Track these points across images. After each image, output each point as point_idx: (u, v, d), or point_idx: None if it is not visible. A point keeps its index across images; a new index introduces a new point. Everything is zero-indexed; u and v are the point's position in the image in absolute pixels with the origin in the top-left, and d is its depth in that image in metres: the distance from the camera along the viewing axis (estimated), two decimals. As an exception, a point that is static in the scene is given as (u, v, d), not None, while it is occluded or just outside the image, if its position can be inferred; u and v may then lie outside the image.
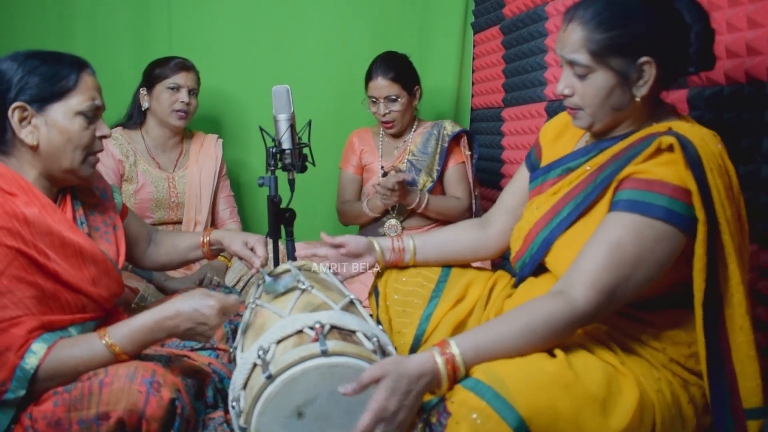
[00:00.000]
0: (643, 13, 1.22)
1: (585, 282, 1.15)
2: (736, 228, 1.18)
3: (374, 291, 1.59)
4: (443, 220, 2.46)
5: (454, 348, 1.12)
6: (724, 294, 1.17)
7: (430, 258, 1.57)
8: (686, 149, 1.14)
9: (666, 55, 1.22)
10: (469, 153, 2.50)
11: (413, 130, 2.52)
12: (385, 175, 2.47)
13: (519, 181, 1.55)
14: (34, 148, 1.32)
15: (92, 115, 1.36)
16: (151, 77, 2.34)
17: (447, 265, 1.57)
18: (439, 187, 2.48)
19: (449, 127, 2.48)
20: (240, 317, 1.64)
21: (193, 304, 1.29)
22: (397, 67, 2.40)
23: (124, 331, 1.27)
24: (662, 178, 1.16)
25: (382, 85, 2.38)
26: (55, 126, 1.32)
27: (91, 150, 1.38)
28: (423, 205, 2.36)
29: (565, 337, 1.17)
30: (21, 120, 1.30)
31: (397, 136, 2.53)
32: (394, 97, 2.38)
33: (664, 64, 1.23)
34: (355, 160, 2.59)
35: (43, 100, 1.31)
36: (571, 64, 1.26)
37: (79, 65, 1.36)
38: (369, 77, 2.42)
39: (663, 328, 1.26)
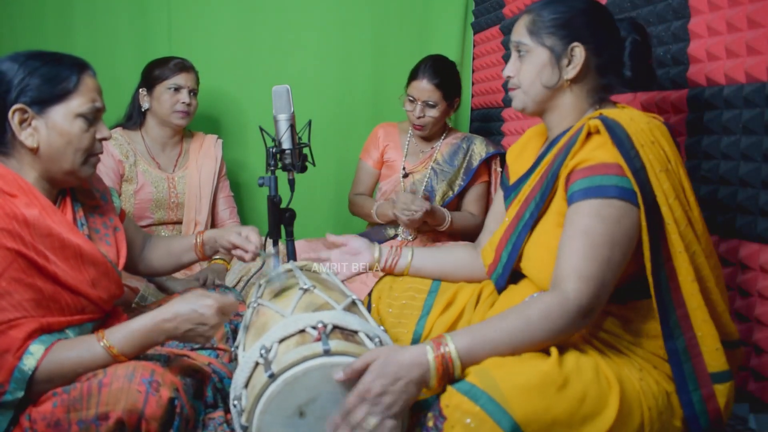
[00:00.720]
0: (585, 9, 1.37)
1: (571, 275, 1.18)
2: (675, 200, 1.22)
3: (367, 307, 1.60)
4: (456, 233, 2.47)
5: (450, 343, 1.14)
6: (674, 263, 1.22)
7: (426, 270, 1.60)
8: (611, 129, 1.23)
9: (598, 47, 1.35)
10: (500, 170, 2.46)
11: (442, 138, 2.49)
12: (406, 176, 2.47)
13: (497, 202, 1.61)
14: (34, 151, 1.31)
15: (92, 117, 1.36)
16: (151, 78, 2.34)
17: (439, 279, 1.61)
18: (456, 200, 2.47)
19: (480, 146, 2.44)
20: (240, 317, 1.64)
21: (190, 305, 1.28)
22: (444, 74, 2.34)
23: (123, 333, 1.27)
24: (602, 161, 1.22)
25: (425, 88, 2.32)
26: (55, 128, 1.31)
27: (91, 152, 1.38)
28: (447, 225, 2.31)
29: (563, 333, 1.18)
30: (21, 122, 1.29)
31: (425, 139, 2.50)
32: (432, 103, 2.33)
33: (595, 55, 1.35)
34: (377, 154, 2.55)
35: (43, 102, 1.30)
36: (515, 46, 1.40)
37: (79, 66, 1.35)
38: (414, 76, 2.36)
39: (635, 321, 1.29)
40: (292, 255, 1.71)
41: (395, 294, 1.59)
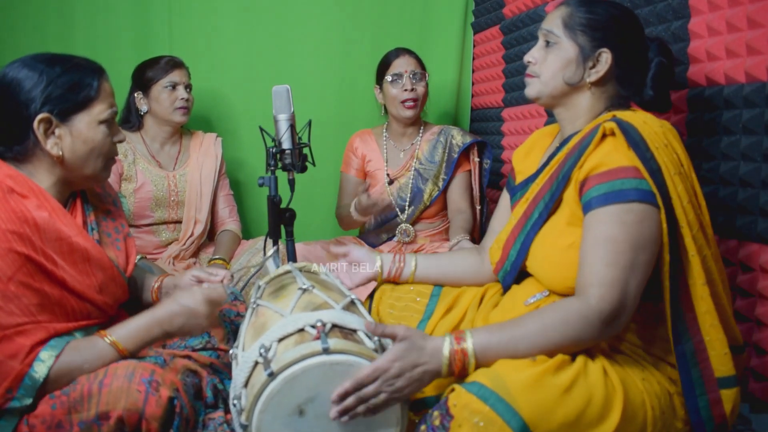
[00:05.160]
0: (621, 19, 1.37)
1: (594, 282, 1.17)
2: (689, 203, 1.22)
3: (368, 308, 1.60)
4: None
5: (468, 339, 1.16)
6: (686, 267, 1.22)
7: (430, 277, 1.60)
8: (626, 132, 1.23)
9: (624, 60, 1.36)
10: (478, 160, 2.48)
11: (420, 135, 2.50)
12: (391, 182, 2.47)
13: (503, 205, 1.61)
14: (59, 159, 1.31)
15: (111, 122, 1.37)
16: (145, 80, 2.34)
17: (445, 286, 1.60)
18: (442, 195, 2.47)
19: (458, 137, 2.45)
20: (241, 317, 1.64)
21: (179, 301, 1.34)
22: (415, 53, 2.43)
23: (125, 330, 1.30)
24: (619, 165, 1.22)
25: (408, 60, 2.39)
26: (80, 136, 1.32)
27: (109, 155, 1.40)
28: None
29: (583, 338, 1.17)
30: (45, 131, 1.29)
31: (403, 136, 2.49)
32: (420, 75, 2.39)
33: (619, 66, 1.35)
34: (358, 162, 2.55)
35: (67, 111, 1.30)
36: (545, 34, 1.40)
37: (98, 72, 1.36)
38: (389, 61, 2.41)
39: (640, 323, 1.29)
40: (292, 255, 1.71)
41: (397, 295, 1.59)
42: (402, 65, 2.38)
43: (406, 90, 2.36)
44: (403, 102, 2.38)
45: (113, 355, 1.27)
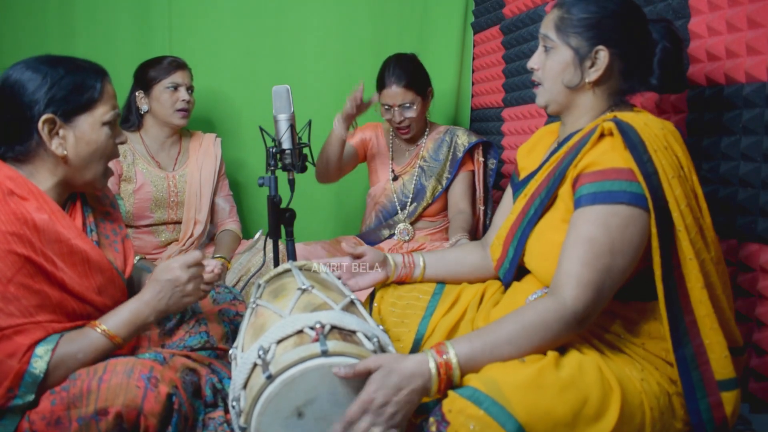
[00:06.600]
0: (616, 12, 1.34)
1: (570, 282, 1.18)
2: (687, 206, 1.21)
3: (369, 306, 1.61)
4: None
5: (450, 350, 1.14)
6: (683, 270, 1.21)
7: (439, 275, 1.60)
8: (624, 133, 1.22)
9: (625, 52, 1.34)
10: (482, 160, 2.48)
11: (426, 135, 2.51)
12: (396, 178, 2.47)
13: (506, 200, 1.61)
14: (63, 158, 1.32)
15: (114, 123, 1.38)
16: (147, 79, 2.34)
17: (451, 283, 1.61)
18: (444, 194, 2.48)
19: (463, 137, 2.46)
20: (240, 317, 1.64)
21: (157, 278, 1.36)
22: (409, 72, 2.34)
23: (114, 318, 1.32)
24: (612, 165, 1.21)
25: (396, 93, 2.32)
26: (83, 137, 1.33)
27: (111, 157, 1.40)
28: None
29: (561, 337, 1.18)
30: (50, 131, 1.30)
31: (409, 140, 2.51)
32: (409, 104, 2.35)
33: (621, 60, 1.34)
34: (361, 137, 2.55)
35: (71, 112, 1.31)
36: (543, 38, 1.39)
37: (101, 74, 1.37)
38: (382, 85, 2.36)
39: (638, 322, 1.29)
40: (292, 255, 1.71)
41: (399, 294, 1.58)
42: (390, 98, 2.33)
43: (395, 121, 2.37)
44: (398, 128, 2.41)
45: (106, 343, 1.29)
